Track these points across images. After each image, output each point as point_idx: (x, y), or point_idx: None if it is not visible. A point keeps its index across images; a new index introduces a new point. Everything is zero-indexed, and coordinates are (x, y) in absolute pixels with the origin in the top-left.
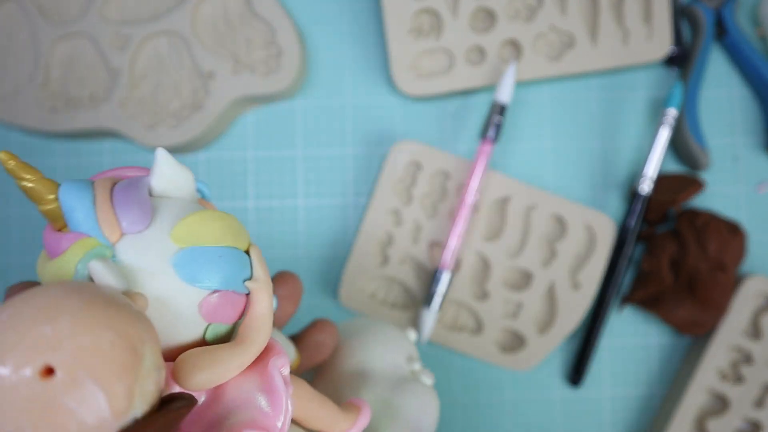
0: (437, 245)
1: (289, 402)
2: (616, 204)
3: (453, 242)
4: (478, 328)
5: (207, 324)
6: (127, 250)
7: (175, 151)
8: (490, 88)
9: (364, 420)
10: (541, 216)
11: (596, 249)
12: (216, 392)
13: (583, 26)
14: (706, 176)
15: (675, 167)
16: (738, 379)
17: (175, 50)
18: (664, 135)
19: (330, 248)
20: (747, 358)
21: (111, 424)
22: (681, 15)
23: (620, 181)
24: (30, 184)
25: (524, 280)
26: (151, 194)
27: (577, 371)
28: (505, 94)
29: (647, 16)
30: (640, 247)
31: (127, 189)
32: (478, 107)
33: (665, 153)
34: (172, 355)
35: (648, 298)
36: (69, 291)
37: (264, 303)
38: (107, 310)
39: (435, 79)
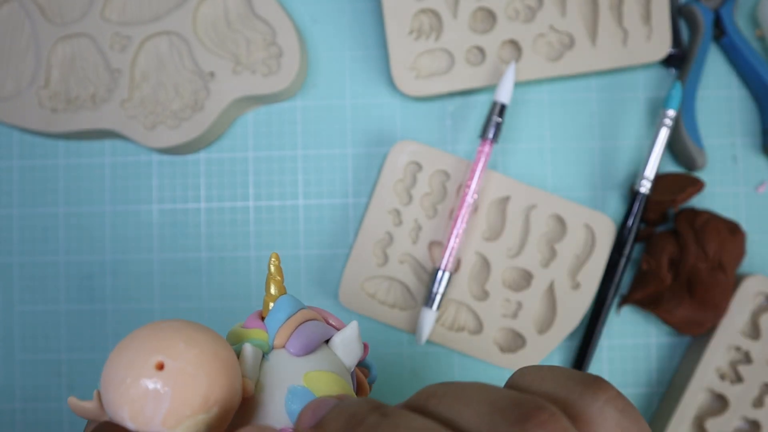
0: (437, 245)
1: None
2: (615, 204)
3: (453, 242)
4: (478, 328)
5: None
6: (276, 357)
7: (175, 151)
8: (490, 88)
9: None
10: (541, 216)
11: (596, 249)
12: None
13: (583, 27)
14: (705, 176)
15: (672, 167)
16: (737, 378)
17: (176, 51)
18: (663, 135)
19: (330, 248)
20: (746, 358)
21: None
22: (679, 15)
23: (620, 181)
24: (277, 279)
25: (524, 280)
26: (327, 342)
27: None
28: (504, 94)
29: (646, 16)
30: (640, 247)
31: (312, 327)
32: (478, 107)
33: (663, 153)
34: None
35: (647, 297)
36: (215, 335)
37: None
38: (224, 353)
39: (435, 80)
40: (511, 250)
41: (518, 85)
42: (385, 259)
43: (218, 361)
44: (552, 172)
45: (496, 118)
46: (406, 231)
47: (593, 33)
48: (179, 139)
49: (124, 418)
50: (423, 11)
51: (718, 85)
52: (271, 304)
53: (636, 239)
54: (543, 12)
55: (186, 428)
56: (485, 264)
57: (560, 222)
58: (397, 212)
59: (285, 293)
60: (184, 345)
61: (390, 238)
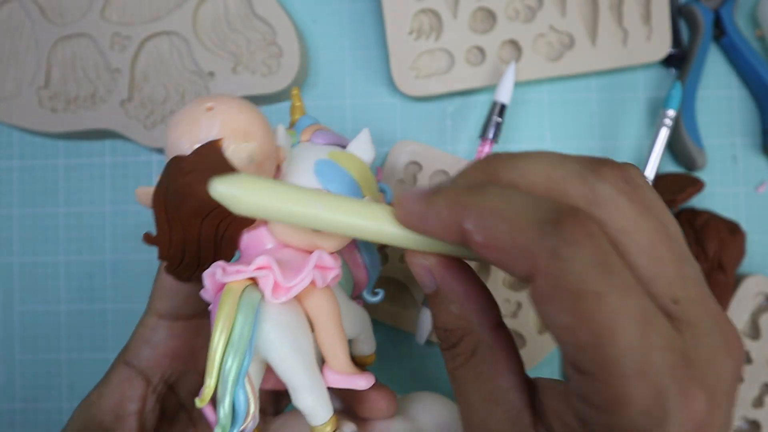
0: None
1: (308, 280)
2: None
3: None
4: None
5: None
6: (303, 147)
7: None
8: (490, 88)
9: (357, 381)
10: None
11: None
12: (280, 245)
13: (583, 27)
14: (704, 176)
15: (672, 167)
16: None
17: (176, 50)
18: (663, 135)
19: None
20: (746, 358)
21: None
22: (679, 15)
23: None
24: (300, 106)
25: None
26: (344, 147)
27: None
28: (504, 94)
29: (646, 16)
30: None
31: (331, 131)
32: (478, 107)
33: (663, 153)
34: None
35: None
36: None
37: None
38: (259, 112)
39: (435, 80)
40: None
41: (518, 85)
42: (385, 258)
43: (254, 111)
44: None
45: (496, 118)
46: None
47: (593, 33)
48: None
49: (184, 148)
50: (423, 11)
51: (718, 85)
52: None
53: None
54: (543, 12)
55: (233, 151)
56: (485, 264)
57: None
58: None
59: (301, 110)
60: (229, 97)
61: None
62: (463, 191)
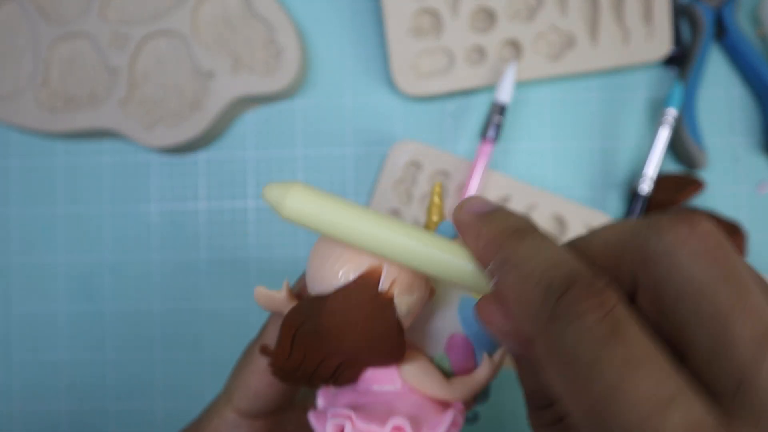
0: None
1: None
2: (616, 204)
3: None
4: None
5: (442, 352)
6: None
7: (174, 150)
8: (490, 88)
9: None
10: (541, 216)
11: None
12: (407, 388)
13: (584, 26)
14: (705, 176)
15: (673, 166)
16: None
17: (175, 50)
18: (664, 135)
19: None
20: None
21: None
22: (681, 15)
23: (620, 181)
24: (439, 206)
25: None
26: None
27: None
28: (505, 94)
29: (647, 16)
30: None
31: None
32: (478, 107)
33: (663, 152)
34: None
35: None
36: None
37: (485, 377)
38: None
39: (435, 79)
40: None
41: (518, 84)
42: None
43: None
44: (552, 172)
45: (496, 118)
46: None
47: (594, 32)
48: (178, 139)
49: (336, 283)
50: (423, 11)
51: (720, 85)
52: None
53: None
54: (543, 11)
55: (397, 304)
56: None
57: (560, 222)
58: (397, 212)
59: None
60: None
61: None
62: (507, 232)
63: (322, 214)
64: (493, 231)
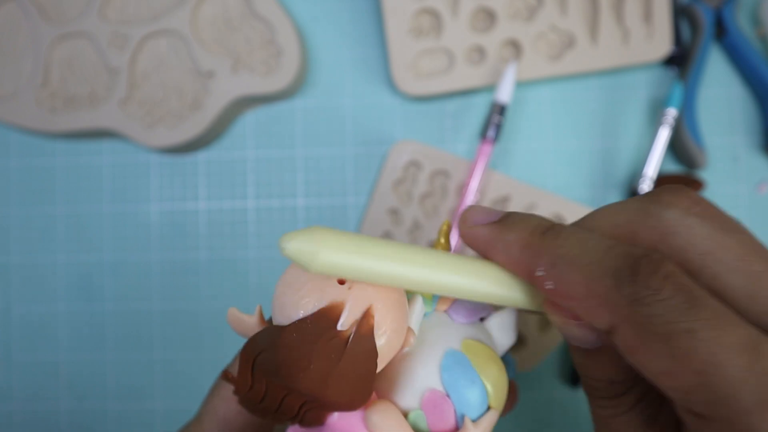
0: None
1: None
2: None
3: (453, 242)
4: None
5: (418, 408)
6: (436, 319)
7: (174, 150)
8: (490, 88)
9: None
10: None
11: None
12: None
13: (584, 26)
14: (706, 176)
15: (672, 166)
16: None
17: (175, 50)
18: (663, 135)
19: None
20: None
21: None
22: (681, 14)
23: (620, 181)
24: (445, 247)
25: None
26: (481, 320)
27: (577, 371)
28: (505, 94)
29: (647, 16)
30: None
31: (474, 306)
32: (478, 107)
33: (663, 152)
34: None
35: None
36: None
37: None
38: (399, 294)
39: (435, 79)
40: None
41: (518, 84)
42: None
43: (395, 295)
44: (552, 172)
45: (496, 118)
46: (406, 231)
47: (594, 32)
48: (178, 139)
49: (295, 315)
50: (423, 11)
51: (719, 85)
52: None
53: None
54: (543, 11)
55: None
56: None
57: (560, 222)
58: (397, 212)
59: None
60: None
61: (390, 238)
62: (537, 233)
63: (361, 264)
64: (521, 236)
